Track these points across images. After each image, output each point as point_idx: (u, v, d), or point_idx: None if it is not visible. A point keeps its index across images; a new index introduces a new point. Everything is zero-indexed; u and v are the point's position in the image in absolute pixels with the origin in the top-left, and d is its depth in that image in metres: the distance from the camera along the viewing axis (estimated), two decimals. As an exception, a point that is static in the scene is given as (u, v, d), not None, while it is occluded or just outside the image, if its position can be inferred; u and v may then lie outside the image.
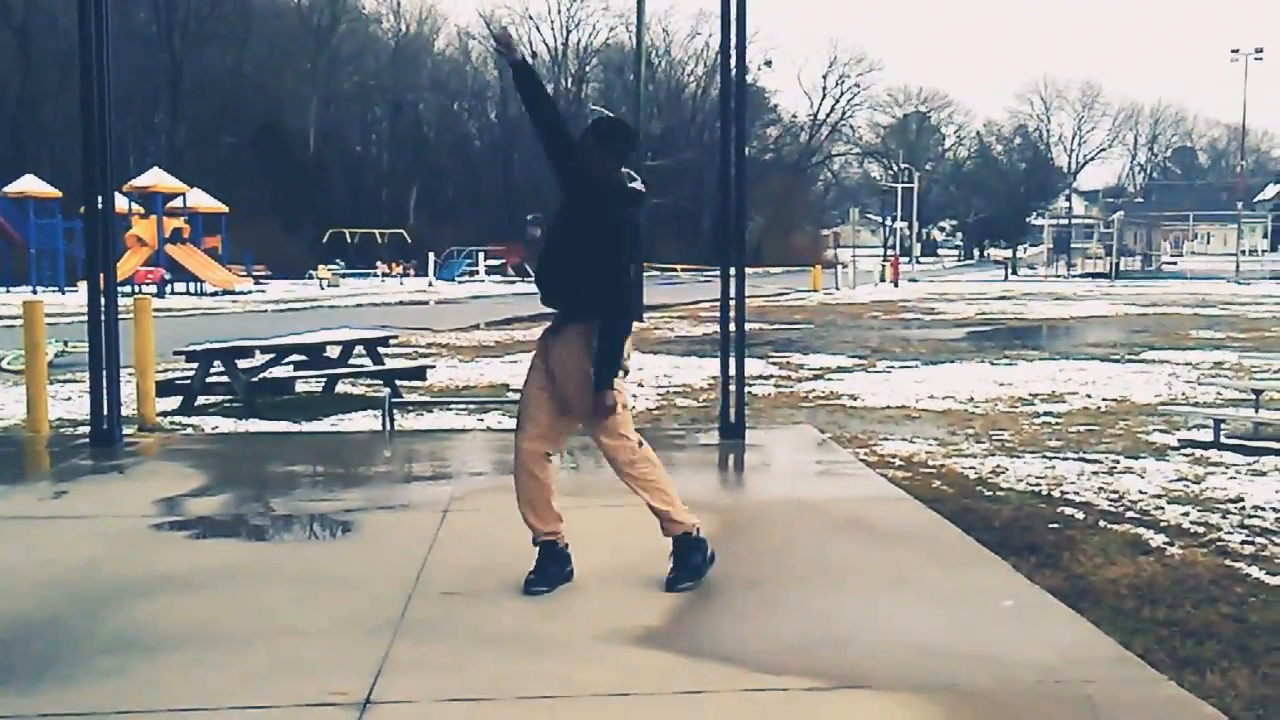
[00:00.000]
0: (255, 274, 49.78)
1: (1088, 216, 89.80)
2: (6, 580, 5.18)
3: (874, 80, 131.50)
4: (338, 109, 75.64)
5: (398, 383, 12.73)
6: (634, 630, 4.48)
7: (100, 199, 8.62)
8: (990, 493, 7.70)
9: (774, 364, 16.37)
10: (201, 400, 11.76)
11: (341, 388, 13.21)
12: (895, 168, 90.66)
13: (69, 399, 12.11)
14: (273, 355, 12.41)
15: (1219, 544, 6.37)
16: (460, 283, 53.79)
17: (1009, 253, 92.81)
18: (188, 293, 41.24)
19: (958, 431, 10.37)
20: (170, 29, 64.64)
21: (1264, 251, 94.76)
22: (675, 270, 58.46)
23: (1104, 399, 12.53)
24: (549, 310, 5.08)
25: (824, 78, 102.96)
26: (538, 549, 5.02)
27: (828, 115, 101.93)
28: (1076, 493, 7.67)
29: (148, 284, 38.62)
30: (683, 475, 7.74)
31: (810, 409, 11.97)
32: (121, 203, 36.82)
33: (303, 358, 12.84)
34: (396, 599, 4.85)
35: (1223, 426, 9.55)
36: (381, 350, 13.63)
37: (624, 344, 4.88)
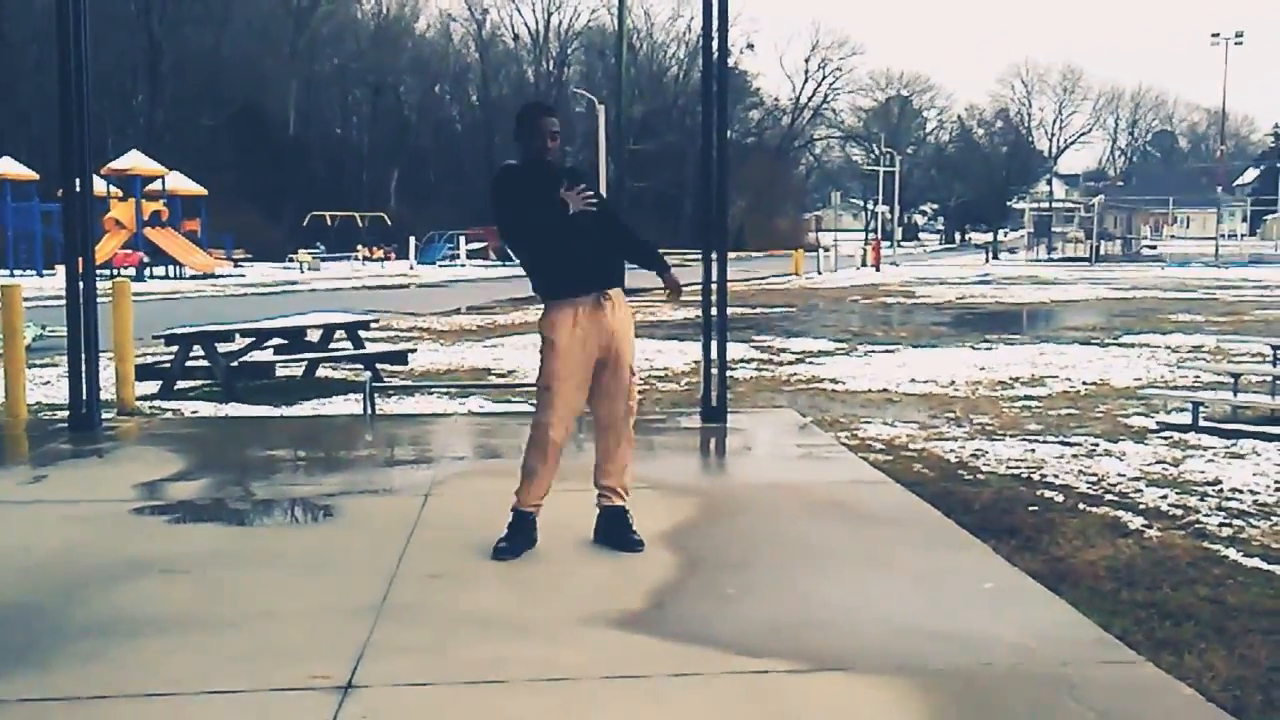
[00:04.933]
0: (235, 258, 49.57)
1: (1068, 200, 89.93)
2: (-15, 565, 5.15)
3: (856, 64, 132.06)
4: (318, 91, 75.27)
5: (379, 367, 12.71)
6: (616, 613, 4.49)
7: (78, 181, 8.56)
8: (970, 476, 7.73)
9: (756, 348, 16.39)
10: (181, 384, 11.70)
11: (322, 372, 13.17)
12: (877, 151, 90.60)
13: (47, 383, 12.05)
14: (253, 339, 12.36)
15: (1197, 526, 6.41)
16: (441, 266, 53.66)
17: (990, 236, 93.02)
18: (167, 276, 41.03)
19: (938, 415, 10.41)
20: (149, 9, 64.10)
21: (1243, 235, 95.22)
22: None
23: (1084, 382, 12.59)
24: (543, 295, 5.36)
25: (806, 61, 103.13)
26: (514, 517, 5.30)
27: (809, 99, 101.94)
28: (1056, 476, 7.71)
29: (126, 267, 38.42)
30: (665, 459, 7.77)
31: (792, 393, 12.00)
32: (100, 185, 36.59)
33: (283, 342, 12.78)
34: (378, 583, 4.84)
35: (1201, 410, 9.60)
36: (362, 334, 13.59)
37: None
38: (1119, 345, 16.87)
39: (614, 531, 5.37)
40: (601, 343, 5.22)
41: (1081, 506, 6.84)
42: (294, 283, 38.78)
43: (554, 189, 5.16)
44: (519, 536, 5.27)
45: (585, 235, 5.19)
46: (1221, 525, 6.44)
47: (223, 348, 11.75)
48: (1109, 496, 7.12)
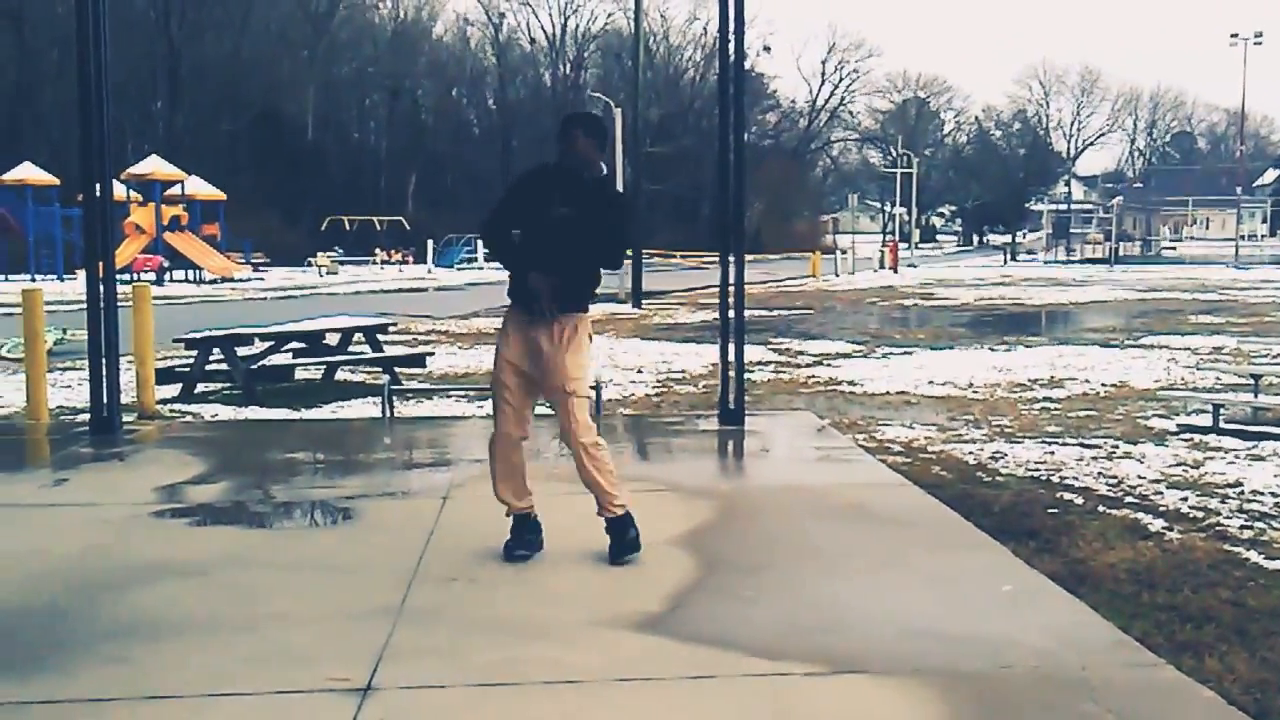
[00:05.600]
0: (254, 261, 49.72)
1: (1087, 202, 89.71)
2: (6, 568, 5.18)
3: (873, 66, 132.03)
4: (336, 96, 75.48)
5: (397, 370, 12.73)
6: (632, 615, 4.49)
7: (98, 186, 8.61)
8: (989, 478, 7.71)
9: (773, 350, 16.37)
10: (201, 388, 11.76)
11: (341, 375, 13.21)
12: (894, 153, 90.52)
13: (69, 387, 12.11)
14: (272, 343, 12.40)
15: (1217, 529, 6.38)
16: (459, 270, 53.73)
17: (1008, 238, 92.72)
18: (186, 280, 41.21)
19: (957, 417, 10.37)
20: (168, 15, 64.48)
21: (1263, 236, 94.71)
22: (674, 257, 58.40)
23: (1103, 384, 12.53)
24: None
25: (823, 63, 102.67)
26: (512, 520, 5.35)
27: (826, 101, 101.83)
28: (1075, 478, 7.68)
29: (146, 272, 38.57)
30: (682, 461, 7.78)
31: (809, 395, 11.98)
32: (120, 190, 36.74)
33: (302, 345, 12.83)
34: (397, 586, 4.85)
35: (1221, 411, 9.55)
36: (381, 337, 13.62)
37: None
38: (1138, 347, 16.79)
39: (610, 544, 5.29)
40: (532, 358, 5.20)
41: (1101, 509, 6.81)
42: (312, 286, 38.90)
43: (543, 201, 5.17)
44: (519, 533, 5.33)
45: (542, 253, 5.12)
46: (1243, 528, 6.41)
47: (242, 351, 11.79)
48: (1129, 499, 7.09)
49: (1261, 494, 7.18)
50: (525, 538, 5.32)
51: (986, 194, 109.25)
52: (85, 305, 8.82)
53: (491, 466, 5.33)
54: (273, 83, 69.31)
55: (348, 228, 62.90)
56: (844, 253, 53.10)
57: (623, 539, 5.25)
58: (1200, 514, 6.70)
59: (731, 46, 8.89)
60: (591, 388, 5.54)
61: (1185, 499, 7.05)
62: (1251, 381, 10.54)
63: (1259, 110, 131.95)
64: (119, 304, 8.94)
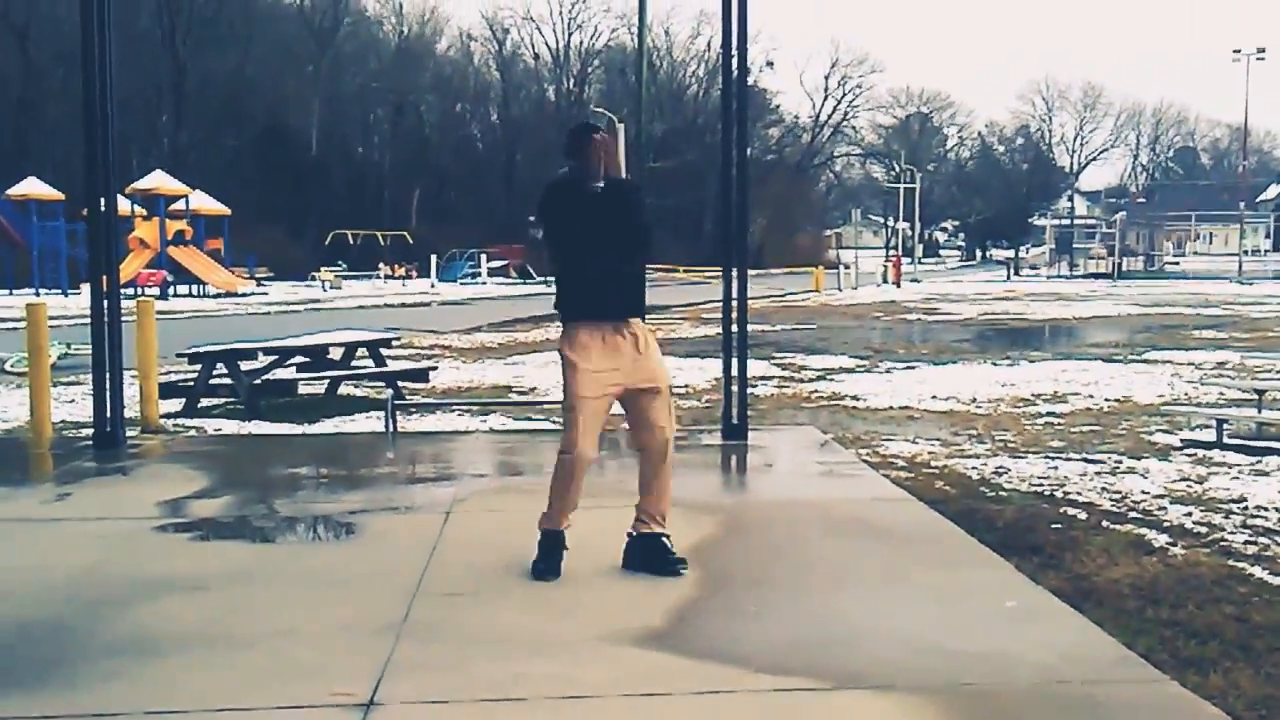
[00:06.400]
0: (258, 276, 49.88)
1: (1090, 217, 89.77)
2: (10, 582, 5.18)
3: (876, 81, 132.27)
4: (340, 111, 75.68)
5: (400, 384, 12.74)
6: (637, 631, 4.48)
7: (103, 201, 8.63)
8: (993, 493, 7.70)
9: (776, 365, 16.37)
10: (204, 402, 11.77)
11: (344, 389, 13.22)
12: (897, 168, 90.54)
13: (72, 401, 12.13)
14: (275, 357, 12.42)
15: (1222, 544, 6.37)
16: (463, 284, 53.83)
17: (1011, 253, 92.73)
18: (190, 295, 41.31)
19: (960, 432, 10.37)
20: (173, 31, 64.78)
21: (1266, 251, 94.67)
22: (677, 271, 58.44)
23: (1106, 399, 12.53)
24: (560, 314, 5.25)
25: (826, 78, 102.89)
26: (543, 536, 5.24)
27: (829, 116, 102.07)
28: (1079, 493, 7.67)
29: (150, 286, 38.66)
30: (686, 477, 7.73)
31: (813, 410, 11.98)
32: (124, 205, 36.85)
33: (305, 359, 12.84)
34: (399, 601, 4.85)
35: (1225, 427, 9.54)
36: (384, 352, 13.63)
37: None
38: (1142, 361, 16.78)
39: (651, 559, 5.27)
40: (625, 372, 5.16)
41: (1105, 524, 6.81)
42: (316, 301, 38.98)
43: (585, 210, 5.16)
44: (555, 553, 5.21)
45: (607, 260, 5.15)
46: (1247, 543, 6.40)
47: (246, 366, 11.81)
48: (1133, 514, 7.08)
49: (1266, 509, 7.17)
50: (554, 558, 5.20)
51: (989, 209, 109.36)
52: (89, 320, 8.83)
53: (561, 492, 5.20)
54: (277, 98, 69.56)
55: (351, 242, 63.07)
56: (847, 267, 53.23)
57: (668, 553, 5.26)
58: (1204, 529, 6.69)
59: (735, 62, 8.91)
60: None
61: (1189, 514, 7.04)
62: (1255, 396, 10.53)
63: (1262, 126, 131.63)
64: (123, 318, 8.95)
